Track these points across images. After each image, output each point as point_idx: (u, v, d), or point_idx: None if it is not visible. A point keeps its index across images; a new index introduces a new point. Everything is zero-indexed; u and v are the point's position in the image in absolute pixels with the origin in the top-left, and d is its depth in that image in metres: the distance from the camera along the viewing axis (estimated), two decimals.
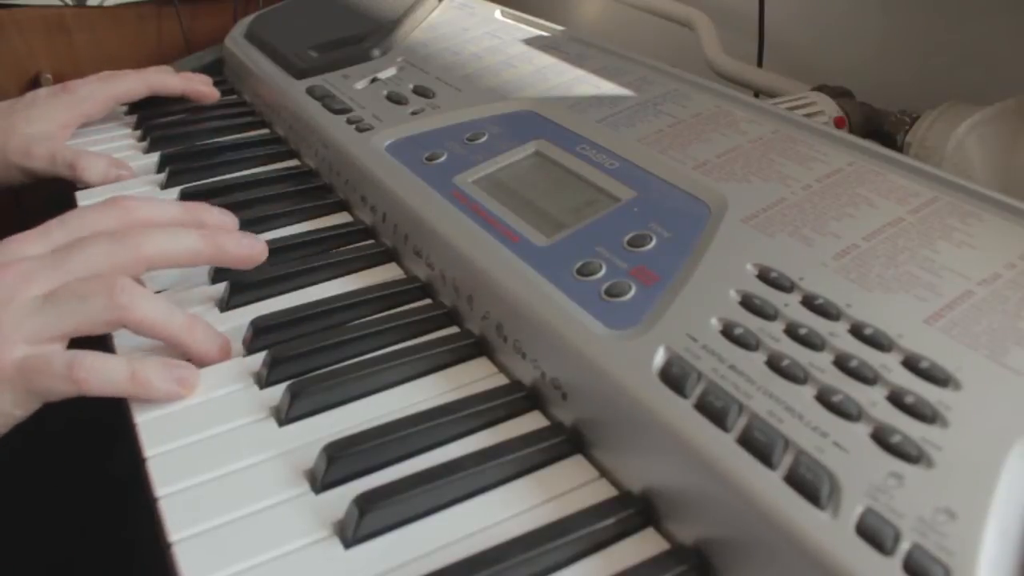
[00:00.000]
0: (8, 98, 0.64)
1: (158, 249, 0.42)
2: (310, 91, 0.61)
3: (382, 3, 0.73)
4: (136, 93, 0.68)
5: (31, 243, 0.42)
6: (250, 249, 0.44)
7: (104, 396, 0.38)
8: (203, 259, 0.43)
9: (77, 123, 0.65)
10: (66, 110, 0.64)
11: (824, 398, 0.29)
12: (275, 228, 0.52)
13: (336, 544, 0.31)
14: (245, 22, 0.80)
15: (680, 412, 0.30)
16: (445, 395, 0.38)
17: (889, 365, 0.30)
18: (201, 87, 0.71)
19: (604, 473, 0.34)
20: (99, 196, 0.57)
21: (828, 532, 0.26)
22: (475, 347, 0.41)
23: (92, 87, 0.66)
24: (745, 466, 0.28)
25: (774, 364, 0.31)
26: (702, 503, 0.30)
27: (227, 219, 0.47)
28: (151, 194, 0.58)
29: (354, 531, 0.31)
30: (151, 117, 0.69)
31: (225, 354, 0.41)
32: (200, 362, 0.41)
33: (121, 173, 0.60)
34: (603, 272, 0.38)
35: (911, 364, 0.29)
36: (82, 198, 0.57)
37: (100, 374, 0.37)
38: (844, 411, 0.29)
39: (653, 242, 0.39)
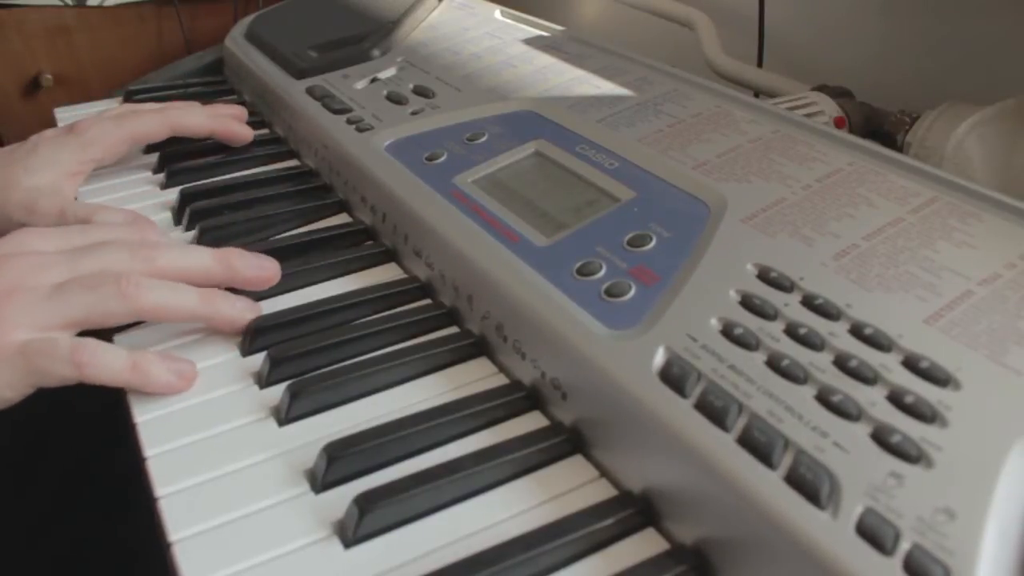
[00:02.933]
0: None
1: (171, 262, 0.42)
2: (310, 91, 0.61)
3: (382, 3, 0.73)
4: (156, 134, 0.59)
5: (49, 239, 0.42)
6: (260, 271, 0.44)
7: (103, 384, 0.38)
8: (214, 278, 0.43)
9: (87, 170, 0.56)
10: (72, 155, 0.55)
11: (824, 398, 0.29)
12: (275, 228, 0.52)
13: (336, 544, 0.31)
14: (245, 22, 0.80)
15: (680, 412, 0.30)
16: (445, 395, 0.38)
17: (889, 365, 0.30)
18: (234, 126, 0.62)
19: (604, 473, 0.34)
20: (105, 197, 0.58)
21: (828, 532, 0.26)
22: (475, 347, 0.41)
23: (103, 127, 0.57)
24: (745, 466, 0.28)
25: (774, 364, 0.31)
26: (702, 503, 0.30)
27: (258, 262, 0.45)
28: (151, 194, 0.58)
29: (354, 531, 0.31)
30: None
31: (255, 312, 0.42)
32: (231, 330, 0.42)
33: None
34: (603, 272, 0.38)
35: (911, 364, 0.29)
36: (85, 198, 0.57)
37: (102, 359, 0.37)
38: (844, 411, 0.29)
39: (653, 242, 0.39)
